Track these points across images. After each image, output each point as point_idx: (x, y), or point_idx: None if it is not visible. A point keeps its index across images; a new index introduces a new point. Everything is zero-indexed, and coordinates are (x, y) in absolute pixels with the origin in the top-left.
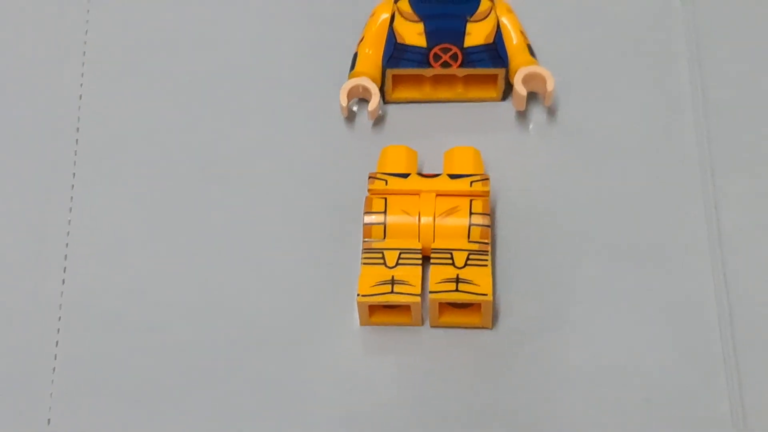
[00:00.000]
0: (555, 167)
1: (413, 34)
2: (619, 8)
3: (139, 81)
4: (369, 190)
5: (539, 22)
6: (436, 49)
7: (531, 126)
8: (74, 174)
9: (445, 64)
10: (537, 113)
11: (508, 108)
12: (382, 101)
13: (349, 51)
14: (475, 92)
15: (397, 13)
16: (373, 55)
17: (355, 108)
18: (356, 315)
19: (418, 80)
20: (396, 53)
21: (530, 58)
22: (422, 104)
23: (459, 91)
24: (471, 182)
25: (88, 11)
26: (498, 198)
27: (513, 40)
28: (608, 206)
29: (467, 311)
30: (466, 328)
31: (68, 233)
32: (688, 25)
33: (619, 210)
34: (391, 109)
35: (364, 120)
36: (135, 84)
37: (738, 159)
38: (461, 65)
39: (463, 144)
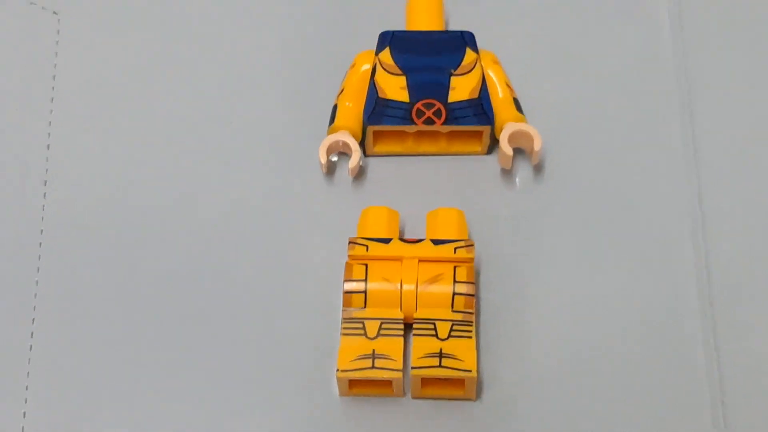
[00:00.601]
0: (542, 228)
1: (395, 88)
2: (609, 61)
3: (109, 137)
4: (349, 256)
5: (526, 74)
6: (419, 105)
7: (517, 182)
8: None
9: (429, 121)
10: (524, 168)
11: (493, 162)
12: (363, 155)
13: (327, 102)
14: (459, 147)
15: (378, 66)
16: (353, 108)
17: (335, 158)
18: (335, 385)
19: (400, 134)
20: (377, 108)
21: (517, 113)
22: (404, 157)
23: (443, 145)
24: (455, 248)
25: (56, 54)
26: (482, 261)
27: (499, 94)
28: (598, 271)
29: (451, 383)
30: (449, 399)
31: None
32: (680, 80)
33: (610, 275)
34: (372, 162)
35: (344, 174)
36: (104, 138)
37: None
38: (445, 122)
39: (447, 203)
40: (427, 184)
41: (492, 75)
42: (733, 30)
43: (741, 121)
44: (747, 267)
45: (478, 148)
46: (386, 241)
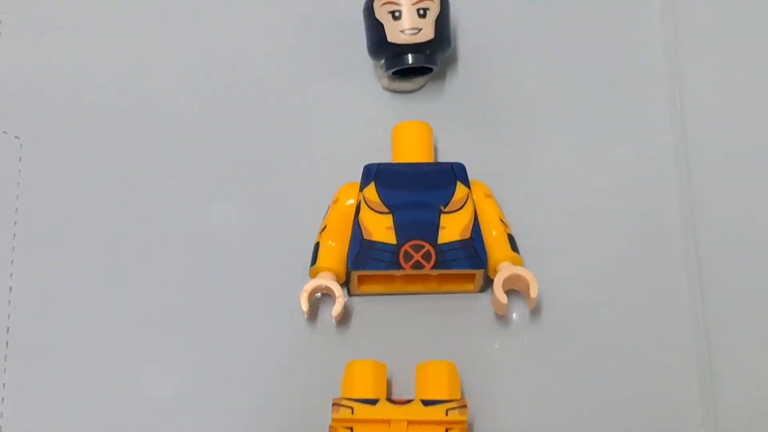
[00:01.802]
0: (538, 376)
1: (381, 228)
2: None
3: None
4: (333, 420)
5: (524, 212)
6: (406, 247)
7: (512, 324)
8: None
9: (417, 265)
10: (519, 307)
11: (486, 300)
12: (348, 296)
13: (309, 238)
14: (450, 286)
15: (363, 203)
16: (336, 247)
17: (318, 295)
18: None
19: (387, 276)
20: (362, 252)
21: (512, 252)
22: (392, 296)
23: (433, 285)
24: (447, 410)
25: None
26: (476, 417)
27: (492, 233)
28: (603, 424)
29: None
30: None
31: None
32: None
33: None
34: (358, 303)
35: (327, 317)
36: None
37: None
38: (435, 266)
39: (438, 351)
40: (417, 329)
41: (485, 211)
42: None
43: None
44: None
45: (471, 288)
46: (373, 402)
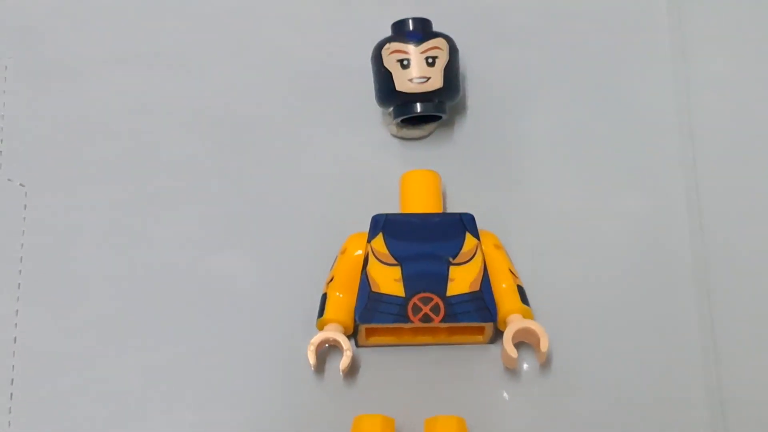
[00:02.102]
0: (549, 430)
1: (389, 280)
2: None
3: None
4: None
5: (534, 262)
6: (415, 299)
7: (522, 376)
8: None
9: (426, 318)
10: (530, 359)
11: (496, 352)
12: (355, 347)
13: (317, 288)
14: (459, 338)
15: (371, 255)
16: (344, 299)
17: (326, 346)
18: None
19: (396, 327)
20: (370, 304)
21: (521, 305)
22: (400, 347)
23: (442, 336)
24: None
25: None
26: None
27: (502, 284)
28: None
29: None
30: None
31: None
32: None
33: None
34: (365, 355)
35: (334, 369)
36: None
37: None
38: (444, 319)
39: (446, 404)
40: (426, 381)
41: (494, 262)
42: None
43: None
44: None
45: (480, 340)
46: None
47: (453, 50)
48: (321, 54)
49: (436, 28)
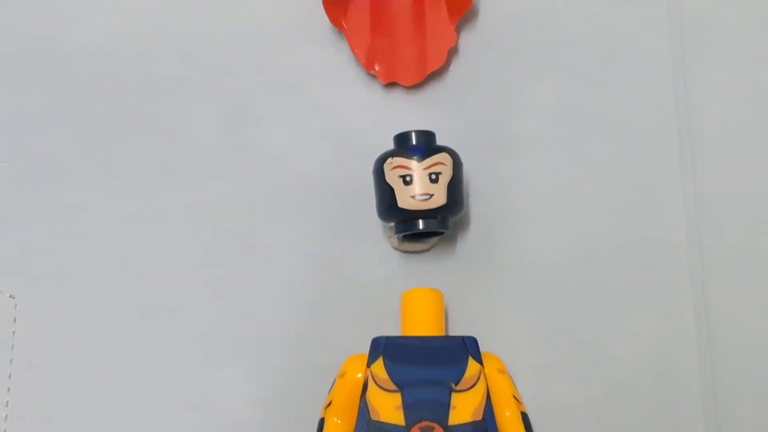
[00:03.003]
0: None
1: (389, 408)
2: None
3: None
4: None
5: (538, 386)
6: (416, 429)
7: None
8: None
9: None
10: None
11: None
12: None
13: (314, 412)
14: None
15: (370, 380)
16: (342, 425)
17: None
18: None
19: None
20: None
21: None
22: None
23: None
24: None
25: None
26: None
27: (506, 412)
28: None
29: None
30: None
31: None
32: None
33: None
34: None
35: None
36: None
37: None
38: None
39: None
40: None
41: (498, 388)
42: None
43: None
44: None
45: None
46: None
47: (457, 164)
48: (321, 163)
49: (439, 139)
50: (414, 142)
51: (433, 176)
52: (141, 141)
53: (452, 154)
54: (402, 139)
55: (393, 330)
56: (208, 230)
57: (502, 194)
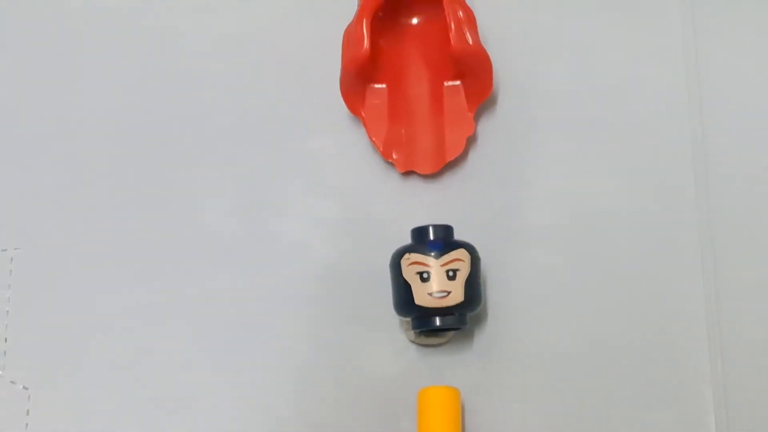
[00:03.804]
0: None
1: None
2: None
3: None
4: None
5: None
6: None
7: None
8: None
9: None
10: None
11: None
12: None
13: None
14: None
15: None
16: None
17: None
18: None
19: None
20: None
21: None
22: None
23: None
24: None
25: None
26: None
27: None
28: None
29: None
30: None
31: None
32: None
33: None
34: None
35: None
36: None
37: None
38: None
39: None
40: None
41: None
42: None
43: None
44: None
45: None
46: None
47: (475, 260)
48: (338, 252)
49: (456, 227)
50: (432, 237)
51: (451, 273)
52: (157, 228)
53: (470, 249)
54: (419, 234)
55: (407, 425)
56: (224, 318)
57: (519, 284)
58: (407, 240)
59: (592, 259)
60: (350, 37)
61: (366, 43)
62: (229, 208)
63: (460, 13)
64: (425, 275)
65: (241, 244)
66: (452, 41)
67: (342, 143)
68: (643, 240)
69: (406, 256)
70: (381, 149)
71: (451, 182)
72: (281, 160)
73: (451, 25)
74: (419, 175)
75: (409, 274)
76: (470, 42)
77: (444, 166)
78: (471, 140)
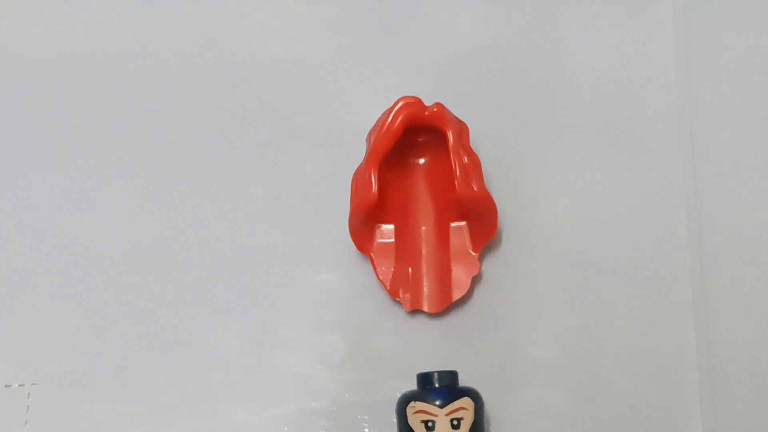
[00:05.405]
0: None
1: None
2: None
3: None
4: None
5: None
6: None
7: None
8: None
9: None
10: None
11: None
12: None
13: None
14: None
15: None
16: None
17: None
18: None
19: None
20: None
21: None
22: None
23: None
24: None
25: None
26: None
27: None
28: None
29: None
30: None
31: None
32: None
33: None
34: None
35: None
36: None
37: None
38: None
39: None
40: None
41: None
42: None
43: None
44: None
45: None
46: None
47: (479, 407)
48: (345, 386)
49: (460, 365)
50: (437, 384)
51: (455, 422)
52: (166, 362)
53: (474, 397)
54: (425, 381)
55: None
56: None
57: (521, 421)
58: (413, 375)
59: (595, 394)
60: (359, 181)
61: (374, 188)
62: (237, 341)
63: (465, 159)
64: (430, 424)
65: (248, 378)
66: (457, 187)
67: (350, 280)
68: (647, 377)
69: (412, 404)
70: (388, 288)
71: (457, 320)
72: (290, 294)
73: (456, 171)
74: (425, 313)
75: (415, 421)
76: (475, 189)
77: (450, 304)
78: (476, 279)
